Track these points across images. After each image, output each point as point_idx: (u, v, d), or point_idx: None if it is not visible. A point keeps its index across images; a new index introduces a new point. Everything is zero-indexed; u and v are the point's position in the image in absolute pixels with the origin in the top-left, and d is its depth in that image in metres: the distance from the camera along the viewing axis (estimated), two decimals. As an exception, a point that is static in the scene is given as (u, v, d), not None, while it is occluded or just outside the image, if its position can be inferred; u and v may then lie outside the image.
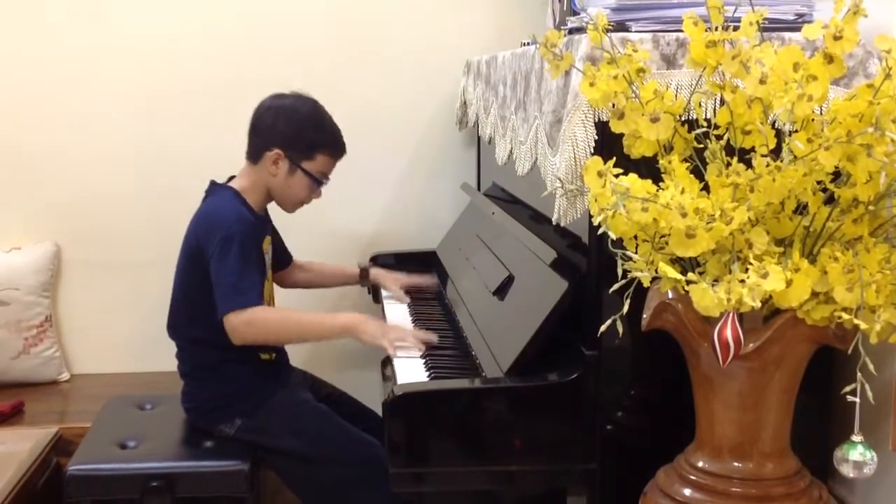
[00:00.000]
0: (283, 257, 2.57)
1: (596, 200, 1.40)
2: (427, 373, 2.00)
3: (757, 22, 1.40)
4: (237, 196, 2.26)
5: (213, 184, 2.33)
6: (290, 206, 2.36)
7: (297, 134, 2.27)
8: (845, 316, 1.31)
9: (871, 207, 1.39)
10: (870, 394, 1.31)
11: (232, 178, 2.34)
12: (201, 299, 2.18)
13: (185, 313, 2.28)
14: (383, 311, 2.58)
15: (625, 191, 1.36)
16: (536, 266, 1.97)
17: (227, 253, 2.13)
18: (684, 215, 1.32)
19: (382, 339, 2.14)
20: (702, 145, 1.47)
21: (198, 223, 2.26)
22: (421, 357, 2.08)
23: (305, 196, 2.34)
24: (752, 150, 1.41)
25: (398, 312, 2.52)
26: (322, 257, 2.90)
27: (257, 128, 2.30)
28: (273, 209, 2.40)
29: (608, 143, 1.59)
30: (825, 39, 1.34)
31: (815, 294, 1.35)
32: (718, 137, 1.45)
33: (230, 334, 2.13)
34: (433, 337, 2.16)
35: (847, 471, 1.40)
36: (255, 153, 2.29)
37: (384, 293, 2.69)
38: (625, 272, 1.44)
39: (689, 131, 1.48)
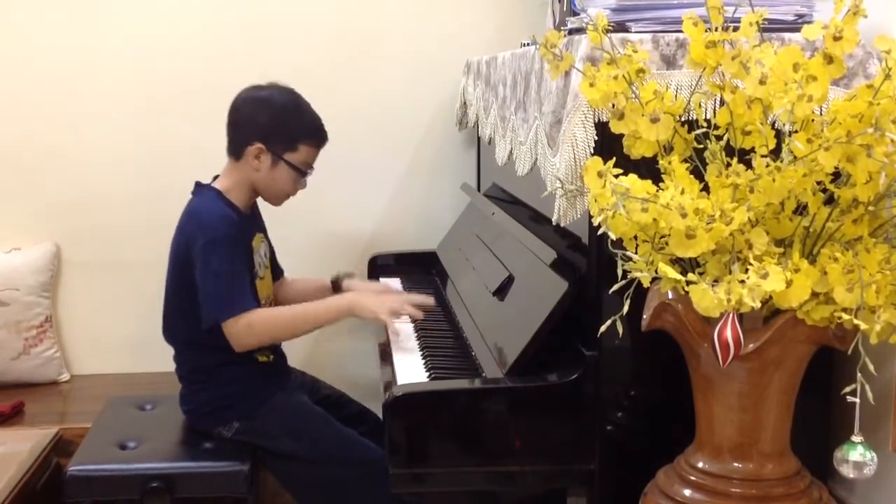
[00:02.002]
0: (274, 270, 2.51)
1: (596, 201, 1.40)
2: (427, 373, 2.00)
3: (757, 22, 1.40)
4: (220, 196, 2.23)
5: (197, 185, 2.30)
6: (276, 200, 2.32)
7: (277, 125, 2.23)
8: (845, 316, 1.31)
9: (870, 208, 1.39)
10: (870, 394, 1.31)
11: (217, 177, 2.31)
12: (194, 302, 2.16)
13: (179, 316, 2.27)
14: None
15: (625, 191, 1.36)
16: (536, 266, 1.97)
17: (213, 257, 2.11)
18: (684, 216, 1.32)
19: (380, 311, 2.15)
20: (702, 146, 1.47)
21: (182, 227, 2.24)
22: (422, 356, 2.08)
23: (291, 188, 2.29)
24: (752, 150, 1.41)
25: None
26: (322, 258, 2.91)
27: (235, 122, 2.25)
28: (267, 219, 2.39)
29: (608, 144, 1.59)
30: (825, 40, 1.34)
31: (815, 294, 1.35)
32: (718, 138, 1.45)
33: (232, 341, 2.12)
34: (430, 300, 2.21)
35: (847, 471, 1.40)
36: (236, 149, 2.25)
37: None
38: (625, 272, 1.44)
39: (689, 132, 1.48)
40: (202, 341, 2.21)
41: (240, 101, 2.27)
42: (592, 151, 1.62)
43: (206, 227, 2.14)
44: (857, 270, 1.31)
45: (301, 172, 2.27)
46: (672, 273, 1.34)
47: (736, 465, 1.49)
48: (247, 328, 2.11)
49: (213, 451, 2.21)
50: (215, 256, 2.11)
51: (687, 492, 1.51)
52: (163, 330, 2.32)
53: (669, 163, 1.43)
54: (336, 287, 2.58)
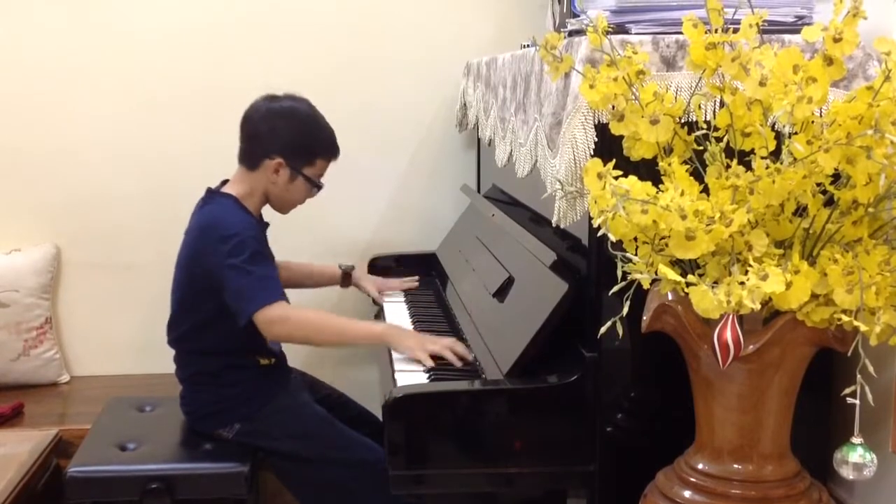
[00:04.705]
0: None
1: (596, 202, 1.40)
2: (426, 374, 1.99)
3: (756, 24, 1.40)
4: (238, 204, 2.23)
5: (209, 191, 2.30)
6: (287, 209, 2.34)
7: (298, 142, 2.25)
8: (845, 318, 1.31)
9: (870, 209, 1.39)
10: (870, 396, 1.31)
11: (225, 181, 2.31)
12: (203, 308, 2.17)
13: (188, 322, 2.26)
14: (382, 310, 2.58)
15: (624, 193, 1.36)
16: (536, 268, 1.97)
17: (241, 257, 2.10)
18: (684, 217, 1.32)
19: (419, 351, 2.07)
20: (701, 147, 1.47)
21: (201, 232, 2.21)
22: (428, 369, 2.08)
23: (302, 199, 2.33)
24: (752, 152, 1.41)
25: (398, 313, 2.52)
26: (322, 259, 2.90)
27: (254, 134, 2.25)
28: (268, 219, 2.39)
29: (608, 145, 1.59)
30: (825, 41, 1.34)
31: (814, 296, 1.35)
32: (718, 139, 1.45)
33: (263, 330, 2.10)
34: (469, 355, 2.05)
35: (847, 473, 1.40)
36: (252, 160, 2.25)
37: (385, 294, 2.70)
38: (625, 274, 1.44)
39: (689, 133, 1.48)
40: (209, 347, 2.22)
41: (258, 113, 2.26)
42: (592, 153, 1.62)
43: (232, 233, 2.14)
44: (856, 272, 1.30)
45: (315, 185, 2.30)
46: (672, 275, 1.34)
47: (736, 466, 1.49)
48: (282, 319, 2.10)
49: (212, 453, 2.21)
50: (245, 255, 2.11)
51: (687, 493, 1.51)
52: (168, 334, 2.31)
53: (669, 164, 1.43)
54: (346, 277, 2.67)
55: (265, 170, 2.24)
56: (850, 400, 1.33)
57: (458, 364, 2.01)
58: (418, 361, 2.04)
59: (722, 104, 1.45)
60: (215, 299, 2.14)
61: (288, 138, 2.24)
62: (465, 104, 2.85)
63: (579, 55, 1.63)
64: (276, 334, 2.14)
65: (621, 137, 1.49)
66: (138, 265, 2.96)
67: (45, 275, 2.89)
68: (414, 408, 1.78)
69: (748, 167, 1.37)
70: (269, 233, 2.39)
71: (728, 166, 1.40)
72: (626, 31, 1.72)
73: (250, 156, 2.26)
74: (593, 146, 1.63)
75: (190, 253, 2.24)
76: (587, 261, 1.76)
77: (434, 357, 2.03)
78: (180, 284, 2.27)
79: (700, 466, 1.52)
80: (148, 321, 2.78)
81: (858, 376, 1.32)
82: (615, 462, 1.80)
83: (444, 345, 2.06)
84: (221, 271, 2.12)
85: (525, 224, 2.17)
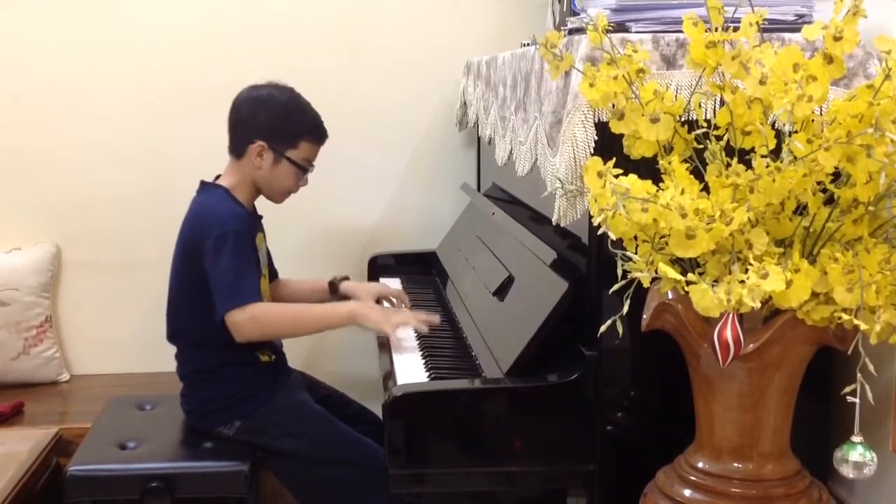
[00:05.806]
0: (271, 271, 2.51)
1: (596, 201, 1.40)
2: (427, 373, 1.99)
3: (757, 22, 1.40)
4: (228, 194, 2.25)
5: (203, 183, 2.31)
6: (278, 197, 2.34)
7: (279, 123, 2.25)
8: (845, 316, 1.31)
9: (870, 208, 1.39)
10: (870, 394, 1.31)
11: (219, 176, 2.32)
12: (200, 301, 2.17)
13: (185, 317, 2.27)
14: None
15: (625, 191, 1.36)
16: (536, 266, 1.97)
17: (222, 251, 2.12)
18: (684, 216, 1.32)
19: (385, 324, 2.16)
20: (702, 146, 1.47)
21: (191, 223, 2.24)
22: (421, 356, 2.08)
23: (292, 185, 2.32)
24: (752, 150, 1.41)
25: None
26: (322, 258, 2.91)
27: (237, 121, 2.28)
28: (268, 218, 2.39)
29: (608, 144, 1.59)
30: (825, 40, 1.34)
31: (815, 295, 1.35)
32: (718, 138, 1.45)
33: (234, 332, 2.12)
34: (435, 318, 2.19)
35: (847, 471, 1.40)
36: (237, 148, 2.27)
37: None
38: (625, 273, 1.44)
39: (689, 132, 1.48)
40: (207, 341, 2.22)
41: (240, 101, 2.29)
42: (592, 151, 1.62)
43: (218, 222, 2.15)
44: (857, 271, 1.30)
45: (302, 169, 2.29)
46: (672, 273, 1.34)
47: (736, 465, 1.49)
48: (250, 320, 2.11)
49: (212, 452, 2.21)
50: (226, 249, 2.12)
51: (687, 492, 1.51)
52: (167, 330, 2.31)
53: (669, 163, 1.43)
54: (334, 288, 2.58)
55: (249, 155, 2.25)
56: (850, 399, 1.33)
57: (425, 330, 2.18)
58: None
59: (722, 103, 1.45)
60: (207, 290, 2.14)
61: (268, 121, 2.25)
62: (465, 103, 2.85)
63: (579, 53, 1.63)
64: (247, 336, 2.15)
65: (621, 136, 1.49)
66: (138, 265, 2.96)
67: (44, 274, 2.89)
68: (414, 406, 1.78)
69: (748, 166, 1.37)
70: (268, 232, 2.39)
71: (728, 165, 1.40)
72: (627, 30, 1.72)
73: (236, 144, 2.28)
74: (593, 144, 1.63)
75: (184, 244, 2.26)
76: (587, 259, 1.76)
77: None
78: (175, 276, 2.29)
79: (700, 465, 1.52)
80: (148, 320, 2.78)
81: (859, 375, 1.32)
82: (615, 461, 1.80)
83: (409, 316, 2.22)
84: (205, 262, 2.14)
85: (525, 222, 2.17)
